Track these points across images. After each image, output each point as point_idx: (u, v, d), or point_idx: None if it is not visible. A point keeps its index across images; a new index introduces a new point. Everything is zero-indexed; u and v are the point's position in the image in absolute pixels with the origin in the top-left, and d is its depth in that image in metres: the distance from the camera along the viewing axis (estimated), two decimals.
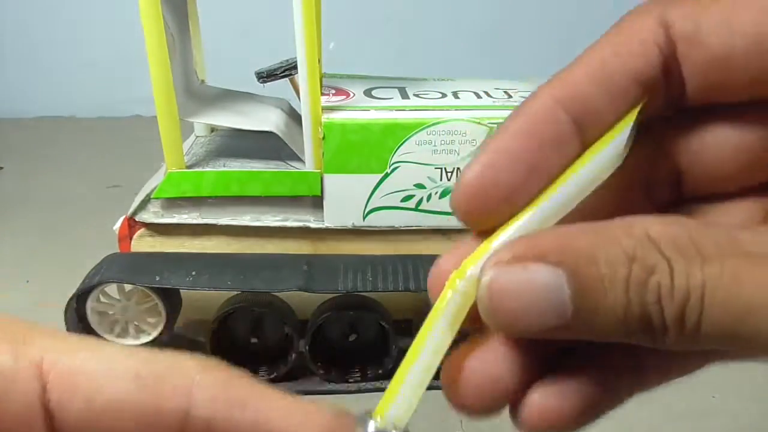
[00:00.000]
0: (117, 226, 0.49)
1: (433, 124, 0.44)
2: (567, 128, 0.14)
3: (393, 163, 0.45)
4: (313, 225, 0.47)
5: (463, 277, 0.14)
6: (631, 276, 0.12)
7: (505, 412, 0.15)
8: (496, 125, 0.44)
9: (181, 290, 0.49)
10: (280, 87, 0.50)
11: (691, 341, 0.12)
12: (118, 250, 0.49)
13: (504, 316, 0.13)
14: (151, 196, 0.46)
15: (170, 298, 0.48)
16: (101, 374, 0.13)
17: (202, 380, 0.13)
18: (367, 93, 0.49)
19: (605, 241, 0.12)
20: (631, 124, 0.14)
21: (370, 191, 0.46)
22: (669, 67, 0.14)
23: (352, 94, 0.49)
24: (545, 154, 0.14)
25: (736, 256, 0.12)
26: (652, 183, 0.16)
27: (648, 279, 0.12)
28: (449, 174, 0.46)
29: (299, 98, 0.44)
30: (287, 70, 0.48)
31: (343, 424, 0.14)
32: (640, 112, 0.14)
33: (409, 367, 0.14)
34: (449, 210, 0.49)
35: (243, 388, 0.14)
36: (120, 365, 0.13)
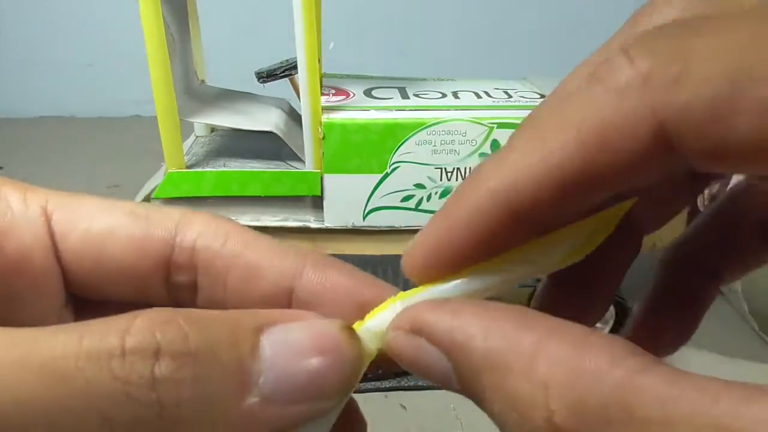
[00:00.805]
0: None
1: (433, 124, 0.44)
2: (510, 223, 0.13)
3: (393, 163, 0.45)
4: (313, 225, 0.47)
5: (360, 328, 0.14)
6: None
7: None
8: (495, 125, 0.44)
9: None
10: (280, 87, 0.50)
11: None
12: None
13: (406, 367, 0.14)
14: (151, 196, 0.46)
15: None
16: (98, 210, 0.15)
17: (189, 218, 0.15)
18: (367, 93, 0.49)
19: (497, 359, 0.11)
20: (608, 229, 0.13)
21: (370, 191, 0.46)
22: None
23: (352, 94, 0.49)
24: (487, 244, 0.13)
25: None
26: None
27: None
28: (449, 174, 0.46)
29: (299, 98, 0.44)
30: (287, 70, 0.48)
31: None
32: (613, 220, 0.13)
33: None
34: None
35: (226, 226, 0.15)
36: (115, 205, 0.15)
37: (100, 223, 0.15)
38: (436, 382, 0.13)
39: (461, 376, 0.12)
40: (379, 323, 0.14)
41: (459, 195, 0.13)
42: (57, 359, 0.10)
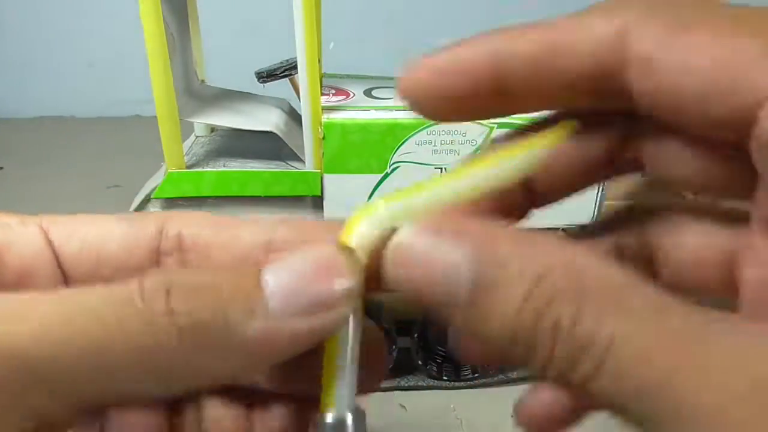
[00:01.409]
0: None
1: (433, 124, 0.44)
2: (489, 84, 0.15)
3: (393, 163, 0.45)
4: None
5: (350, 234, 0.14)
6: (531, 297, 0.12)
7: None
8: (495, 125, 0.44)
9: None
10: (280, 87, 0.50)
11: (577, 388, 0.12)
12: None
13: (401, 274, 0.13)
14: (151, 196, 0.46)
15: None
16: (90, 221, 0.16)
17: (172, 214, 0.17)
18: (367, 93, 0.49)
19: (527, 253, 0.12)
20: (553, 144, 0.14)
21: (370, 191, 0.46)
22: (614, 79, 0.14)
23: (352, 94, 0.49)
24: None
25: (658, 324, 0.11)
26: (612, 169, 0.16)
27: (547, 309, 0.12)
28: None
29: (299, 98, 0.44)
30: (287, 70, 0.48)
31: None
32: (567, 131, 0.14)
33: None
34: None
35: (206, 214, 0.17)
36: (104, 216, 0.17)
37: (94, 230, 0.16)
38: (435, 295, 0.13)
39: (480, 274, 0.12)
40: (367, 231, 0.14)
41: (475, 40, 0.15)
42: (94, 308, 0.12)
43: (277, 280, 0.13)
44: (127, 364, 0.12)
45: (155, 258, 0.16)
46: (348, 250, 0.14)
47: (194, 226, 0.17)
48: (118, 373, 0.13)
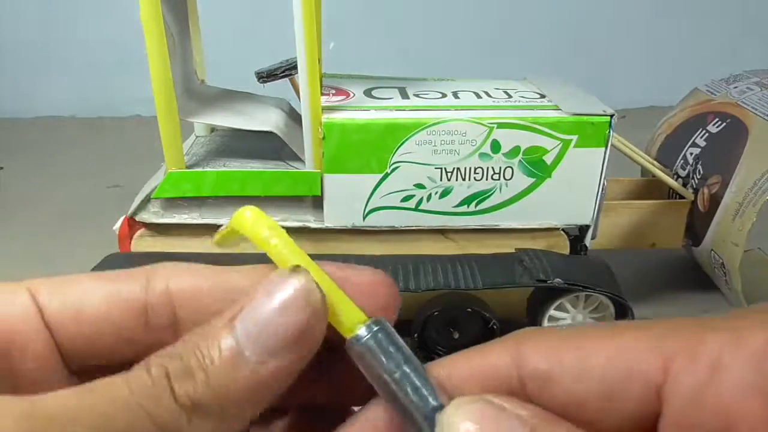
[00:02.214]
0: (117, 226, 0.49)
1: (433, 124, 0.44)
2: None
3: (393, 163, 0.45)
4: (313, 225, 0.47)
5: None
6: None
7: None
8: (495, 125, 0.44)
9: None
10: (280, 87, 0.50)
11: None
12: (118, 250, 0.49)
13: None
14: (151, 196, 0.46)
15: None
16: (73, 279, 0.16)
17: (158, 266, 0.17)
18: (367, 93, 0.49)
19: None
20: None
21: (370, 191, 0.46)
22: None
23: (352, 94, 0.49)
24: None
25: None
26: None
27: None
28: (449, 174, 0.46)
29: (299, 98, 0.44)
30: (287, 70, 0.48)
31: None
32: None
33: None
34: (449, 210, 0.48)
35: (194, 265, 0.17)
36: (87, 273, 0.17)
37: (76, 290, 0.16)
38: None
39: None
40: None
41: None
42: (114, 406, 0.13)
43: (246, 329, 0.14)
44: None
45: (143, 319, 0.16)
46: (299, 270, 0.15)
47: (181, 277, 0.16)
48: None
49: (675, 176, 0.59)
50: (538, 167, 0.46)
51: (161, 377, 0.13)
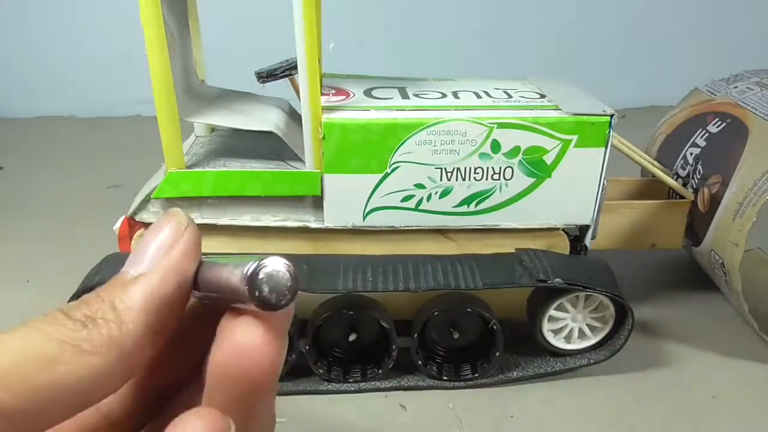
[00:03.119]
0: (117, 226, 0.49)
1: (433, 124, 0.44)
2: None
3: (393, 163, 0.45)
4: (313, 225, 0.47)
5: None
6: None
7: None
8: (495, 125, 0.44)
9: None
10: (280, 87, 0.50)
11: None
12: (118, 250, 0.49)
13: None
14: (151, 196, 0.46)
15: None
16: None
17: None
18: (367, 93, 0.49)
19: None
20: None
21: (370, 191, 0.46)
22: None
23: (352, 94, 0.49)
24: None
25: None
26: None
27: None
28: (449, 174, 0.46)
29: (299, 98, 0.44)
30: (287, 70, 0.48)
31: None
32: None
33: None
34: (449, 210, 0.48)
35: None
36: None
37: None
38: None
39: None
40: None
41: None
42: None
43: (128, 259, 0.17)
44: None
45: None
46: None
47: None
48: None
49: (675, 176, 0.59)
50: (538, 167, 0.46)
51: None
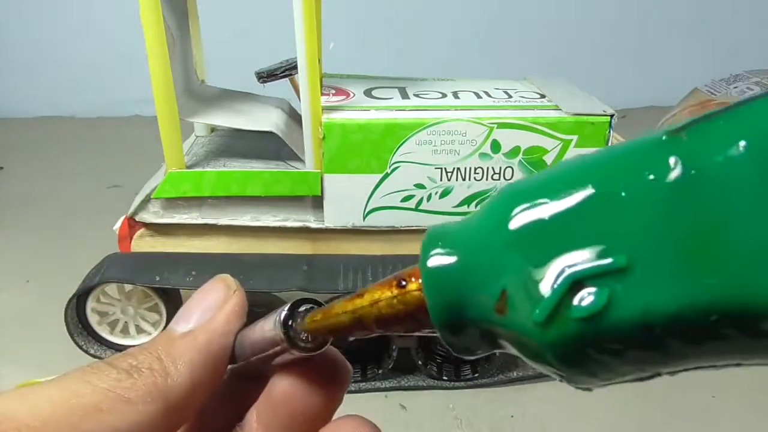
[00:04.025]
0: (117, 226, 0.49)
1: (433, 124, 0.44)
2: None
3: (393, 163, 0.45)
4: (313, 225, 0.47)
5: None
6: None
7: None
8: (495, 125, 0.44)
9: (181, 290, 0.49)
10: (280, 87, 0.50)
11: None
12: (118, 250, 0.49)
13: None
14: (151, 196, 0.46)
15: (170, 298, 0.48)
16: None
17: None
18: (367, 93, 0.49)
19: None
20: None
21: (370, 191, 0.46)
22: None
23: (352, 94, 0.49)
24: None
25: None
26: None
27: None
28: (449, 174, 0.46)
29: (299, 98, 0.44)
30: (287, 70, 0.48)
31: None
32: None
33: None
34: (449, 210, 0.48)
35: None
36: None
37: None
38: None
39: None
40: None
41: None
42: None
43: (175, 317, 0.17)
44: None
45: None
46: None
47: None
48: None
49: None
50: (538, 167, 0.46)
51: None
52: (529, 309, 0.11)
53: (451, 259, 0.12)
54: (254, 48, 0.91)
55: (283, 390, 0.17)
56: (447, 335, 0.13)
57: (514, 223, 0.11)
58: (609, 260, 0.10)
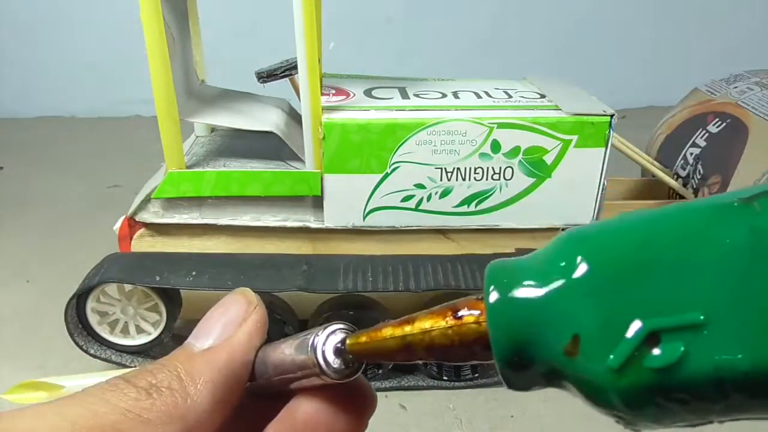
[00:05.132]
0: (117, 226, 0.49)
1: (433, 124, 0.44)
2: None
3: (393, 163, 0.45)
4: (313, 225, 0.47)
5: None
6: None
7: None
8: (495, 125, 0.44)
9: (181, 290, 0.49)
10: (280, 87, 0.50)
11: None
12: (118, 250, 0.49)
13: None
14: (151, 196, 0.46)
15: (170, 298, 0.48)
16: None
17: None
18: (367, 93, 0.49)
19: None
20: None
21: (370, 191, 0.46)
22: None
23: (352, 94, 0.49)
24: None
25: None
26: None
27: None
28: (449, 174, 0.46)
29: (299, 98, 0.44)
30: (287, 70, 0.48)
31: None
32: None
33: None
34: (449, 210, 0.48)
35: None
36: None
37: None
38: None
39: None
40: None
41: None
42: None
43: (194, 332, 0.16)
44: None
45: None
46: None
47: None
48: None
49: (675, 176, 0.59)
50: (538, 167, 0.46)
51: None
52: (602, 355, 0.11)
53: (521, 298, 0.12)
54: (254, 48, 0.91)
55: (308, 414, 0.16)
56: (507, 371, 0.13)
57: (593, 272, 0.12)
58: (686, 315, 0.11)
